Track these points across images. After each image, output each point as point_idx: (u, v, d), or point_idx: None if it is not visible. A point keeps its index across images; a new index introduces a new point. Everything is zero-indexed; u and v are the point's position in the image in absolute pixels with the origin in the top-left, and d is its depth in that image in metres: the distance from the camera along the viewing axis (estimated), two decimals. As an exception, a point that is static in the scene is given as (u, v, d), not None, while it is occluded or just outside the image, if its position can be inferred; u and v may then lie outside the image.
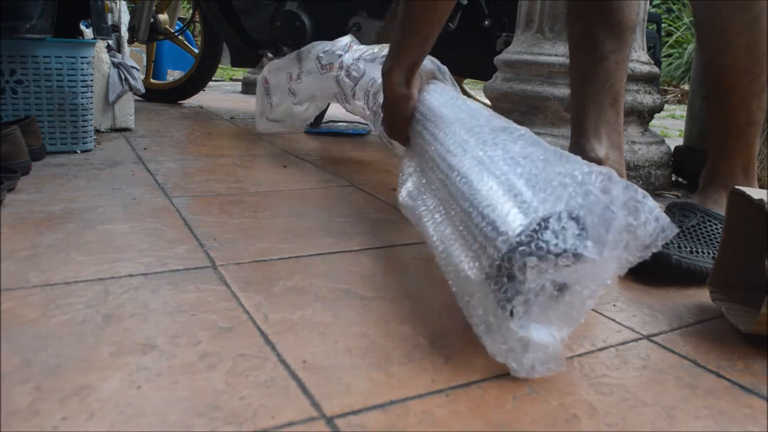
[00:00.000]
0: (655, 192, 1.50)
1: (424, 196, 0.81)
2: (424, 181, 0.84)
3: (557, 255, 0.54)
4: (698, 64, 1.66)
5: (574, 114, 1.17)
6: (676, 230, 0.58)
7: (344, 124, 2.29)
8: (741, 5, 0.88)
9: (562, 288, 0.57)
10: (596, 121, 1.14)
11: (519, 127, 0.78)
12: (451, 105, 0.90)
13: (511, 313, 0.56)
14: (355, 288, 0.80)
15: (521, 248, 0.55)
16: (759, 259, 0.71)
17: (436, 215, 0.75)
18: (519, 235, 0.56)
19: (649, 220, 0.57)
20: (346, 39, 1.50)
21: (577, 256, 0.54)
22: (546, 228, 0.56)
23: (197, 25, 3.38)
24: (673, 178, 1.63)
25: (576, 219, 0.57)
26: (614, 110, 1.14)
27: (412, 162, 0.93)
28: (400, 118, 0.94)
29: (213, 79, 3.17)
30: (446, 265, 0.67)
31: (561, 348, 0.57)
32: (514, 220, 0.57)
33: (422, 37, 0.92)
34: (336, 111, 2.30)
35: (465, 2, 1.78)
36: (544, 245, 0.54)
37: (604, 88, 1.13)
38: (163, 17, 2.63)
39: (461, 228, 0.66)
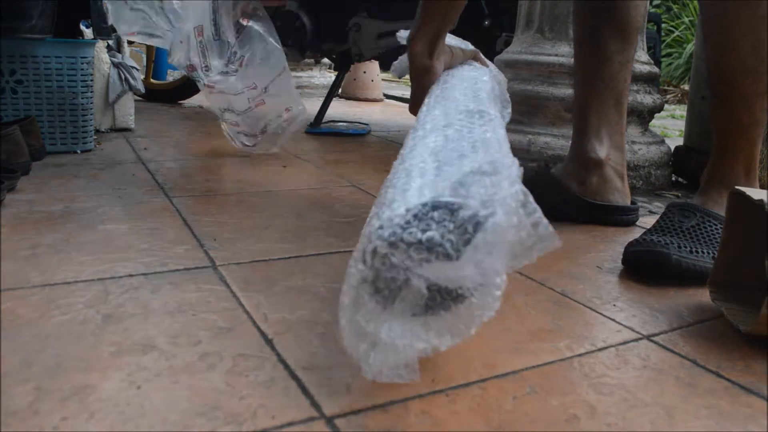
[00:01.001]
0: (655, 192, 1.50)
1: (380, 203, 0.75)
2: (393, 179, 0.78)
3: (409, 245, 0.49)
4: (698, 64, 1.66)
5: (577, 113, 1.17)
6: (557, 243, 0.52)
7: (344, 124, 2.29)
8: (748, 4, 0.88)
9: (455, 298, 0.52)
10: (598, 121, 1.14)
11: (489, 111, 0.72)
12: (460, 85, 0.84)
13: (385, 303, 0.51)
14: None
15: (379, 233, 0.51)
16: (759, 259, 0.71)
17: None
18: (385, 221, 0.51)
19: (525, 226, 0.52)
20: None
21: (431, 251, 0.49)
22: (415, 219, 0.51)
23: (197, 25, 3.37)
24: (673, 178, 1.63)
25: (451, 211, 0.51)
26: (617, 111, 1.15)
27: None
28: (421, 92, 0.91)
29: (213, 79, 3.16)
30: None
31: (415, 355, 0.52)
32: (395, 208, 0.53)
33: (445, 7, 0.90)
34: (336, 111, 2.30)
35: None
36: (400, 231, 0.50)
37: (608, 88, 1.13)
38: (163, 17, 2.63)
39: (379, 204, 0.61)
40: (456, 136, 0.64)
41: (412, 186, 0.56)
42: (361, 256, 0.51)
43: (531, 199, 0.53)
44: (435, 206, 0.52)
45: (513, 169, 0.57)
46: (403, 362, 0.51)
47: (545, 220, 0.52)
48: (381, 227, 0.51)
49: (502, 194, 0.53)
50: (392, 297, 0.52)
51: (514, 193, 0.53)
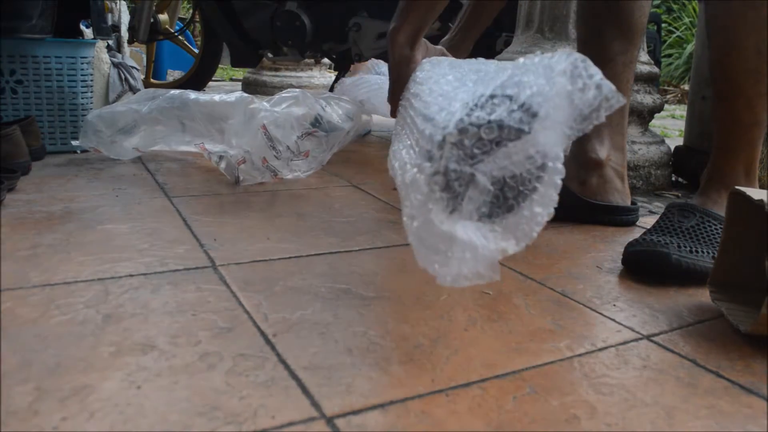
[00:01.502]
0: (655, 192, 1.50)
1: (399, 149, 0.73)
2: (399, 141, 0.76)
3: (479, 126, 0.49)
4: (698, 64, 1.66)
5: None
6: (622, 100, 0.53)
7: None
8: (752, 4, 0.88)
9: (517, 197, 0.52)
10: None
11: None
12: (444, 66, 0.84)
13: (449, 207, 0.50)
14: (355, 288, 0.80)
15: (444, 124, 0.51)
16: (759, 260, 0.71)
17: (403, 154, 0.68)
18: (444, 118, 0.51)
19: (589, 86, 0.52)
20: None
21: (502, 128, 0.49)
22: (477, 107, 0.51)
23: (197, 25, 3.38)
24: (673, 178, 1.63)
25: (510, 97, 0.51)
26: (618, 111, 1.15)
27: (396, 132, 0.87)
28: (401, 82, 0.93)
29: (213, 79, 3.17)
30: (400, 184, 0.60)
31: (496, 254, 0.51)
32: (451, 113, 0.53)
33: (432, 2, 0.91)
34: (336, 111, 2.30)
35: (465, 2, 1.78)
36: (466, 119, 0.50)
37: None
38: (163, 17, 2.63)
39: (411, 140, 0.61)
40: (471, 68, 0.63)
41: (457, 95, 0.55)
42: (424, 154, 0.50)
43: (590, 62, 0.53)
44: (492, 95, 0.52)
45: (564, 52, 0.55)
46: (483, 261, 0.50)
47: (608, 81, 0.52)
48: (445, 121, 0.50)
49: (561, 67, 0.52)
50: (461, 195, 0.51)
51: (574, 61, 0.52)
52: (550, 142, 0.51)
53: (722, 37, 0.93)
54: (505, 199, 0.52)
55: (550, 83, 0.51)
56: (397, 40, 0.92)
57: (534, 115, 0.50)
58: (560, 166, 0.53)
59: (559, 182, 0.53)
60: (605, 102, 0.52)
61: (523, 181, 0.52)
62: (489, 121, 0.49)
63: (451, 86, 0.60)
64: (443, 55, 0.99)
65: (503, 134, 0.49)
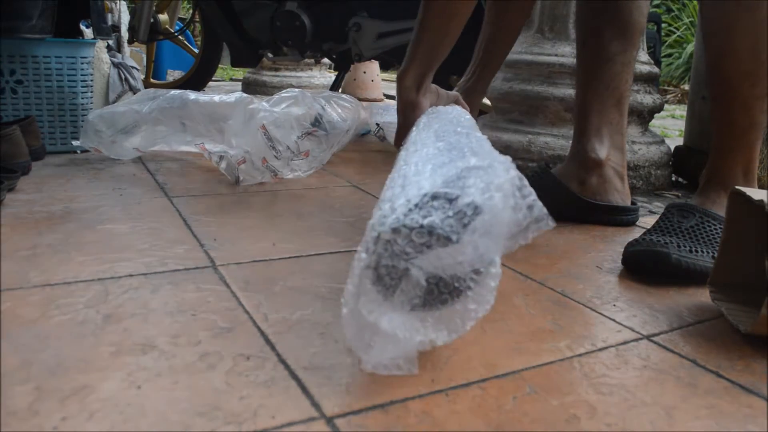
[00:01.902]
0: (655, 192, 1.50)
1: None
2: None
3: (411, 229, 0.51)
4: (698, 64, 1.66)
5: (578, 113, 1.17)
6: (551, 224, 0.55)
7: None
8: (748, 6, 0.88)
9: (452, 292, 0.54)
10: (599, 121, 1.14)
11: (476, 133, 0.75)
12: (446, 117, 0.88)
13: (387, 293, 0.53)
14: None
15: (382, 221, 0.53)
16: (759, 260, 0.71)
17: None
18: (387, 211, 0.53)
19: (520, 206, 0.54)
20: None
21: (432, 234, 0.51)
22: (417, 207, 0.53)
23: (197, 25, 3.38)
24: (673, 178, 1.63)
25: (450, 200, 0.53)
26: (618, 111, 1.15)
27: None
28: (407, 127, 0.94)
29: (213, 79, 3.17)
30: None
31: (416, 347, 0.53)
32: (394, 208, 0.55)
33: (434, 45, 0.92)
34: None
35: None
36: (402, 218, 0.52)
37: (609, 88, 1.13)
38: (163, 17, 2.63)
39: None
40: (448, 147, 0.66)
41: (410, 184, 0.58)
42: (364, 246, 0.53)
43: (526, 183, 0.56)
44: (434, 196, 0.54)
45: (507, 160, 0.59)
46: (403, 354, 0.52)
47: (540, 203, 0.55)
48: (384, 217, 0.53)
49: (499, 181, 0.55)
50: (393, 287, 0.53)
51: (511, 178, 0.56)
52: (480, 251, 0.54)
53: (717, 40, 0.92)
54: (439, 293, 0.55)
55: (487, 195, 0.54)
56: (404, 84, 0.93)
57: (465, 225, 0.52)
58: (495, 270, 0.55)
59: (494, 285, 0.55)
60: (534, 223, 0.55)
61: (458, 278, 0.54)
62: (421, 225, 0.52)
63: (416, 166, 0.63)
64: (457, 102, 1.00)
65: (432, 240, 0.52)
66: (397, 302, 0.53)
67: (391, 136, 1.39)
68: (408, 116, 0.94)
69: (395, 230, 0.52)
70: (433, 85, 0.97)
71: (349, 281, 0.53)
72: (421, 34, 0.92)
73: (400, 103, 0.95)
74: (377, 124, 1.65)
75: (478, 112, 1.23)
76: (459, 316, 0.55)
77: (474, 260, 0.53)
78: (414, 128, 0.87)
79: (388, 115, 1.59)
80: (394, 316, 0.53)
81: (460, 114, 0.88)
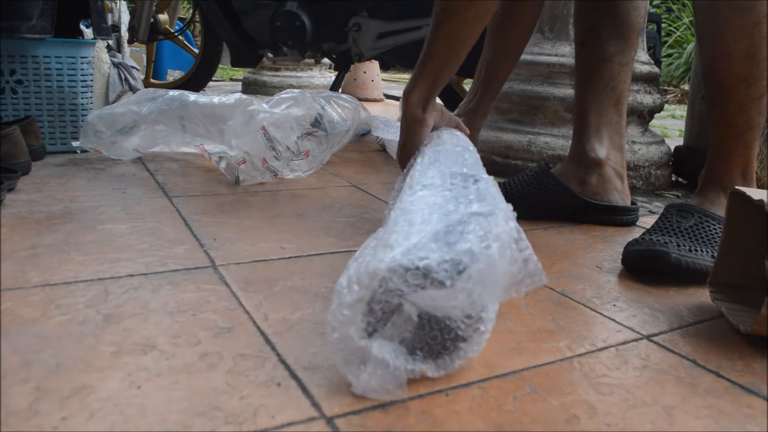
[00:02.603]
0: (655, 192, 1.50)
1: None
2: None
3: (407, 270, 0.53)
4: (698, 64, 1.66)
5: (577, 113, 1.18)
6: (545, 280, 0.57)
7: (344, 124, 2.29)
8: (741, 8, 0.88)
9: (443, 329, 0.56)
10: (598, 121, 1.14)
11: (482, 175, 0.76)
12: (448, 149, 0.89)
13: (370, 332, 0.54)
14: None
15: (379, 259, 0.54)
16: (759, 259, 0.71)
17: None
18: (384, 259, 0.55)
19: (516, 261, 0.56)
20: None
21: (427, 277, 0.53)
22: (415, 248, 0.55)
23: (197, 25, 3.38)
24: (673, 178, 1.63)
25: (449, 243, 0.55)
26: (617, 111, 1.15)
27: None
28: (412, 144, 0.94)
29: (213, 79, 3.17)
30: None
31: (404, 374, 0.54)
32: (394, 253, 0.56)
33: (441, 68, 0.93)
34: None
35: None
36: (399, 257, 0.54)
37: (607, 88, 1.13)
38: (163, 17, 2.63)
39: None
40: (455, 195, 0.68)
41: (413, 229, 0.60)
42: (356, 278, 0.54)
43: (524, 236, 0.57)
44: (434, 239, 0.56)
45: (508, 210, 0.60)
46: (392, 380, 0.53)
47: (535, 257, 0.56)
48: (381, 259, 0.54)
49: (497, 230, 0.57)
50: (384, 320, 0.55)
51: (509, 230, 0.57)
52: (473, 299, 0.55)
53: (711, 43, 0.92)
54: (430, 329, 0.56)
55: (484, 244, 0.55)
56: (410, 101, 0.94)
57: (460, 272, 0.53)
58: (486, 316, 0.57)
59: (484, 329, 0.57)
60: (528, 278, 0.57)
61: (450, 319, 0.56)
62: (417, 267, 0.53)
63: (422, 213, 0.64)
64: (457, 126, 1.01)
65: (426, 282, 0.53)
66: (387, 334, 0.54)
67: (392, 151, 1.39)
68: (413, 133, 0.94)
69: (391, 269, 0.53)
70: (439, 103, 0.98)
71: (337, 309, 0.54)
72: (428, 56, 0.93)
73: (405, 119, 0.95)
74: (378, 139, 1.65)
75: (479, 134, 1.24)
76: (448, 354, 0.57)
77: (466, 306, 0.55)
78: (418, 158, 0.87)
79: (390, 132, 1.60)
80: (384, 343, 0.54)
81: (465, 147, 0.89)
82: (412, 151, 0.94)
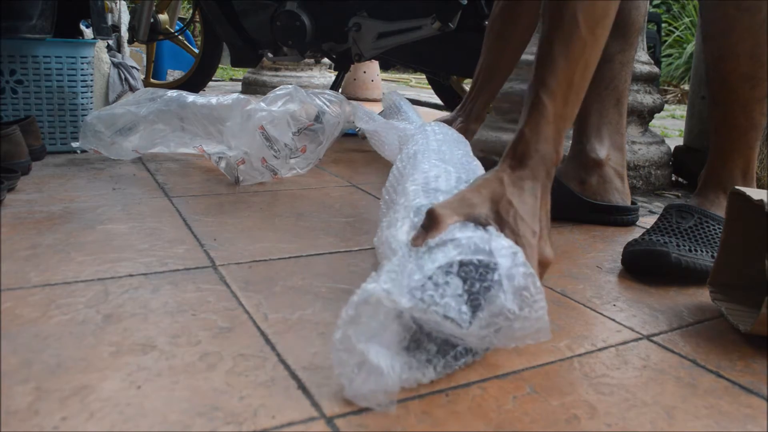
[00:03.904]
0: (655, 192, 1.50)
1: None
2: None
3: (426, 306, 0.53)
4: (698, 64, 1.66)
5: (577, 113, 1.17)
6: (548, 336, 0.57)
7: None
8: (749, 8, 0.88)
9: (443, 343, 0.57)
10: (598, 121, 1.14)
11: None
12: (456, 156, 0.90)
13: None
14: (355, 288, 0.79)
15: (398, 298, 0.53)
16: (759, 259, 0.71)
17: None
18: (403, 283, 0.55)
19: (530, 318, 0.56)
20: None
21: (446, 317, 0.53)
22: (439, 273, 0.55)
23: (197, 25, 3.37)
24: (673, 178, 1.63)
25: (463, 279, 0.55)
26: (617, 111, 1.15)
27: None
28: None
29: (213, 79, 3.17)
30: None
31: (398, 384, 0.53)
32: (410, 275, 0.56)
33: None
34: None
35: (465, 2, 1.78)
36: (418, 293, 0.53)
37: (608, 88, 1.13)
38: (163, 17, 2.63)
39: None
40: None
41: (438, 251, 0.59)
42: (387, 294, 0.53)
43: (541, 288, 0.56)
44: (463, 263, 0.56)
45: (523, 263, 0.58)
46: (383, 389, 0.52)
47: (546, 317, 0.56)
48: (401, 281, 0.54)
49: (517, 283, 0.56)
50: (386, 328, 0.54)
51: (526, 284, 0.56)
52: (484, 344, 0.57)
53: (716, 43, 0.92)
54: (430, 340, 0.56)
55: (504, 291, 0.55)
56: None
57: (475, 309, 0.55)
58: (481, 353, 0.60)
59: (479, 357, 0.60)
60: (534, 334, 0.57)
61: (453, 339, 0.57)
62: (436, 303, 0.53)
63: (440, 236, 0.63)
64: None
65: (440, 322, 0.54)
66: (386, 341, 0.54)
67: (376, 145, 1.39)
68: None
69: (412, 308, 0.53)
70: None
71: (348, 307, 0.53)
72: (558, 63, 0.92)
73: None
74: (358, 130, 1.63)
75: (473, 137, 1.24)
76: (446, 364, 0.58)
77: (473, 345, 0.57)
78: (412, 148, 0.88)
79: (372, 123, 1.60)
80: (381, 351, 0.53)
81: (475, 163, 0.90)
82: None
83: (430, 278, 0.54)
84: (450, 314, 0.53)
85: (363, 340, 0.52)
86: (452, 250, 0.57)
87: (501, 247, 0.58)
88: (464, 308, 0.54)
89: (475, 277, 0.56)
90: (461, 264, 0.56)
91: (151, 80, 2.91)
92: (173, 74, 3.96)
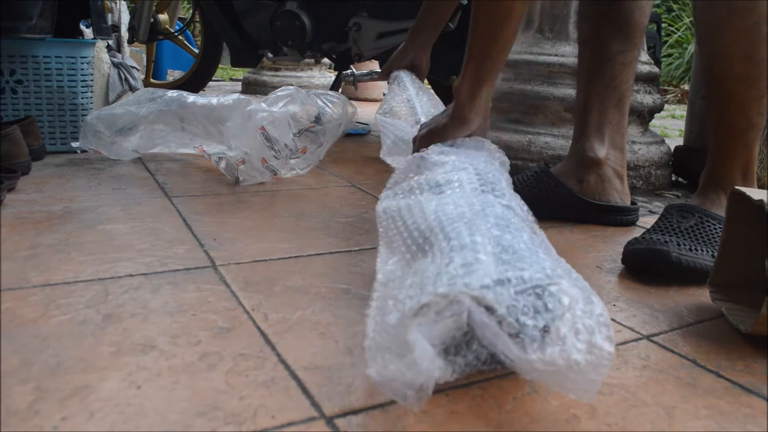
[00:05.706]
0: (655, 192, 1.50)
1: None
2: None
3: (502, 320, 0.50)
4: (698, 64, 1.66)
5: (578, 112, 1.18)
6: (592, 399, 0.51)
7: (344, 124, 2.29)
8: (740, 10, 0.88)
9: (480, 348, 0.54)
10: (599, 120, 1.14)
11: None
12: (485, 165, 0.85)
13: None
14: (355, 288, 0.80)
15: (479, 282, 0.51)
16: (759, 259, 0.71)
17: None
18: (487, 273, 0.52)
19: (588, 377, 0.50)
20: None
21: (517, 335, 0.50)
22: (524, 291, 0.51)
23: (197, 25, 3.38)
24: (673, 178, 1.63)
25: (539, 296, 0.52)
26: (618, 111, 1.15)
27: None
28: (442, 136, 0.92)
29: (213, 79, 3.17)
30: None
31: (431, 387, 0.49)
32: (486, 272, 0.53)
33: (484, 53, 0.93)
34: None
35: (465, 2, 1.78)
36: (499, 307, 0.50)
37: (609, 88, 1.13)
38: (163, 17, 2.63)
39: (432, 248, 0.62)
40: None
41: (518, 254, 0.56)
42: (433, 289, 0.51)
43: (610, 362, 0.51)
44: (537, 285, 0.52)
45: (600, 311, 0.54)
46: (416, 386, 0.48)
47: (601, 382, 0.51)
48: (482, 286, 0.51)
49: (587, 322, 0.51)
50: (435, 319, 0.51)
51: (602, 319, 0.52)
52: (528, 372, 0.52)
53: (710, 45, 0.92)
54: (475, 344, 0.53)
55: (574, 330, 0.50)
56: (459, 99, 0.94)
57: (543, 343, 0.50)
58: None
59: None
60: (582, 392, 0.51)
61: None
62: (517, 321, 0.49)
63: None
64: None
65: (501, 335, 0.50)
66: (435, 334, 0.50)
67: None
68: (452, 128, 0.93)
69: (488, 307, 0.50)
70: (487, 107, 0.97)
71: (380, 297, 0.51)
72: (468, 56, 0.93)
73: (450, 113, 0.95)
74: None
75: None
76: (473, 365, 0.54)
77: (515, 369, 0.52)
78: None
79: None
80: (428, 348, 0.49)
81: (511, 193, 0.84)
82: (437, 141, 0.93)
83: (521, 293, 0.51)
84: (521, 334, 0.49)
85: (416, 333, 0.49)
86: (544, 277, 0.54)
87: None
88: (536, 334, 0.50)
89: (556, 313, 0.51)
90: (546, 290, 0.52)
91: (151, 80, 2.91)
92: (173, 74, 3.96)
